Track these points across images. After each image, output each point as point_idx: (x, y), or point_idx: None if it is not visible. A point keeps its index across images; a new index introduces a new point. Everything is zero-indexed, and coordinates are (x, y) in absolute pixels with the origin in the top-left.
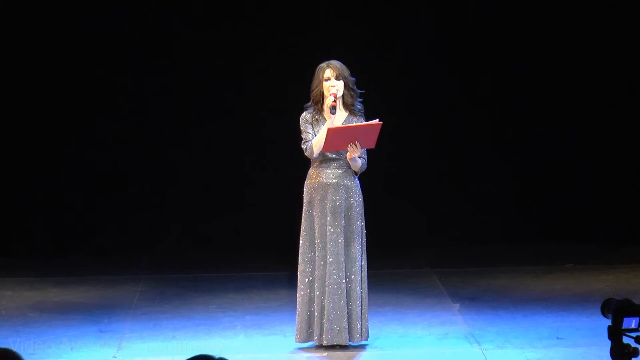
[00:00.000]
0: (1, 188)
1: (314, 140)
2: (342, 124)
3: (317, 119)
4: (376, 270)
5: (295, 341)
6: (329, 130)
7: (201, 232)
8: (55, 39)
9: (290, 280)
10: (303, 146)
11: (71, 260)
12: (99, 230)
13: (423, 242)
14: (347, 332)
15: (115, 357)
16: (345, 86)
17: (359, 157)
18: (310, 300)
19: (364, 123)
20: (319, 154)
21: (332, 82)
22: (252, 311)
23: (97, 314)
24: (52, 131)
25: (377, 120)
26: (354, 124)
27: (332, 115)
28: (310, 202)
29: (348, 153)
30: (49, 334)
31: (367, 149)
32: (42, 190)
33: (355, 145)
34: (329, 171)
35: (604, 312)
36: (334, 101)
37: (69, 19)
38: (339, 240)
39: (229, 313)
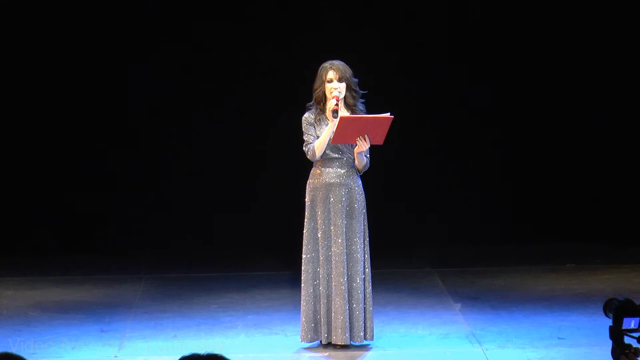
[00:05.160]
0: (2, 188)
1: (316, 143)
2: None
3: (319, 120)
4: (378, 270)
5: (301, 341)
6: (341, 119)
7: (203, 232)
8: (55, 39)
9: (292, 279)
10: (305, 149)
11: (72, 259)
12: (101, 229)
13: (424, 242)
14: (348, 331)
15: (116, 356)
16: (348, 87)
17: (365, 156)
18: (315, 300)
19: (375, 115)
20: (321, 156)
21: (334, 85)
22: (253, 311)
23: (99, 313)
24: (52, 131)
25: (389, 114)
26: (365, 115)
27: (334, 120)
28: (312, 201)
29: (356, 147)
30: (50, 334)
31: (369, 149)
32: (43, 189)
33: (365, 139)
34: (332, 170)
35: (605, 312)
36: (336, 105)
37: (68, 18)
38: (342, 240)
39: (230, 313)
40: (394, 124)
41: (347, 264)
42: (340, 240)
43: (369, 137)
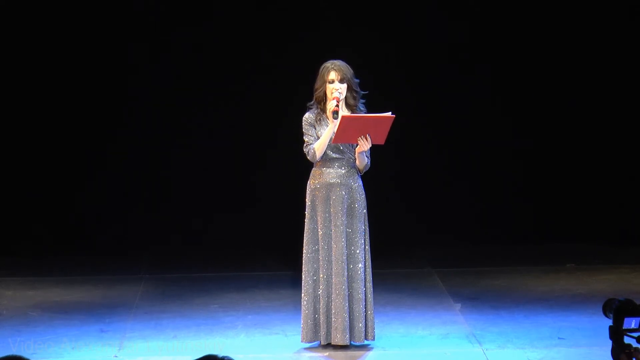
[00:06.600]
0: (2, 188)
1: (316, 144)
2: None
3: (319, 120)
4: (378, 270)
5: (301, 341)
6: (343, 118)
7: (203, 232)
8: (57, 39)
9: (292, 280)
10: (305, 150)
11: (72, 260)
12: (101, 229)
13: (424, 242)
14: (348, 332)
15: (116, 356)
16: (349, 88)
17: (366, 156)
18: (315, 300)
19: (377, 114)
20: (321, 157)
21: (335, 86)
22: (253, 311)
23: (99, 313)
24: (52, 131)
25: (390, 113)
26: (367, 114)
27: (334, 120)
28: (313, 201)
29: (358, 147)
30: (50, 334)
31: (370, 149)
32: (43, 190)
33: (366, 138)
34: (332, 171)
35: (605, 312)
36: (337, 106)
37: (67, 18)
38: (342, 240)
39: (230, 313)
40: (394, 124)
41: (347, 264)
42: (340, 241)
43: (370, 137)
